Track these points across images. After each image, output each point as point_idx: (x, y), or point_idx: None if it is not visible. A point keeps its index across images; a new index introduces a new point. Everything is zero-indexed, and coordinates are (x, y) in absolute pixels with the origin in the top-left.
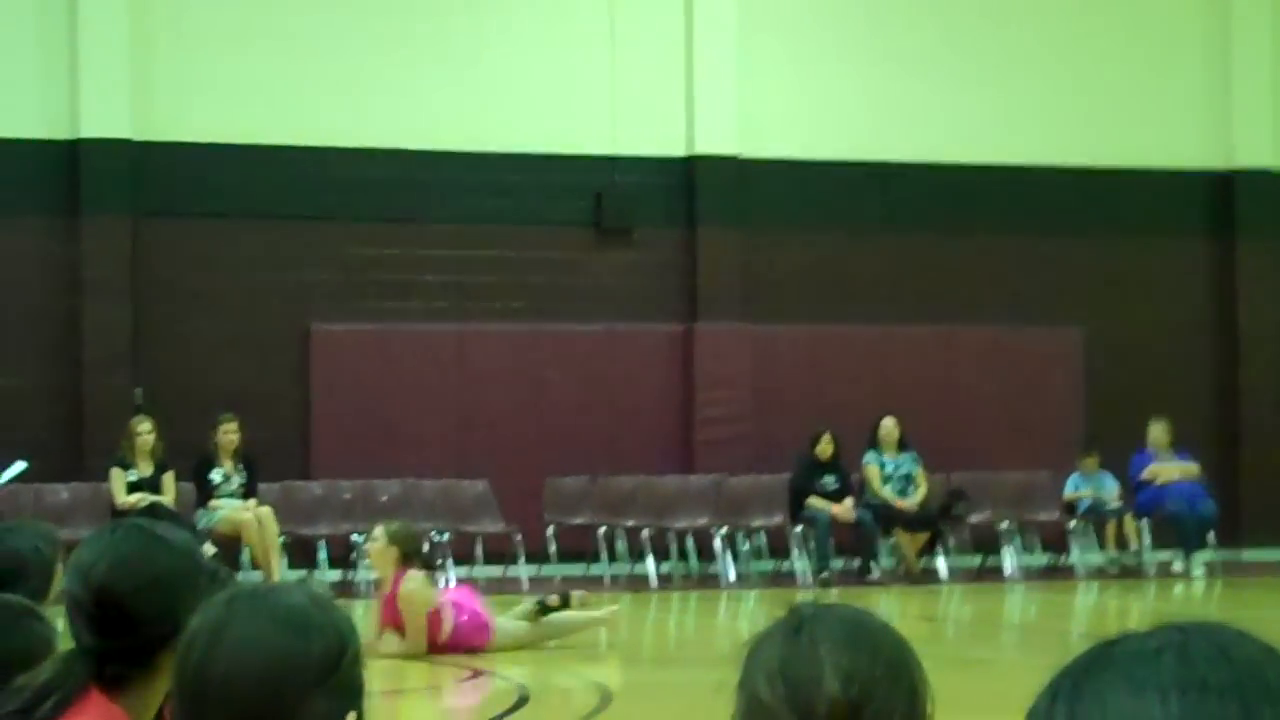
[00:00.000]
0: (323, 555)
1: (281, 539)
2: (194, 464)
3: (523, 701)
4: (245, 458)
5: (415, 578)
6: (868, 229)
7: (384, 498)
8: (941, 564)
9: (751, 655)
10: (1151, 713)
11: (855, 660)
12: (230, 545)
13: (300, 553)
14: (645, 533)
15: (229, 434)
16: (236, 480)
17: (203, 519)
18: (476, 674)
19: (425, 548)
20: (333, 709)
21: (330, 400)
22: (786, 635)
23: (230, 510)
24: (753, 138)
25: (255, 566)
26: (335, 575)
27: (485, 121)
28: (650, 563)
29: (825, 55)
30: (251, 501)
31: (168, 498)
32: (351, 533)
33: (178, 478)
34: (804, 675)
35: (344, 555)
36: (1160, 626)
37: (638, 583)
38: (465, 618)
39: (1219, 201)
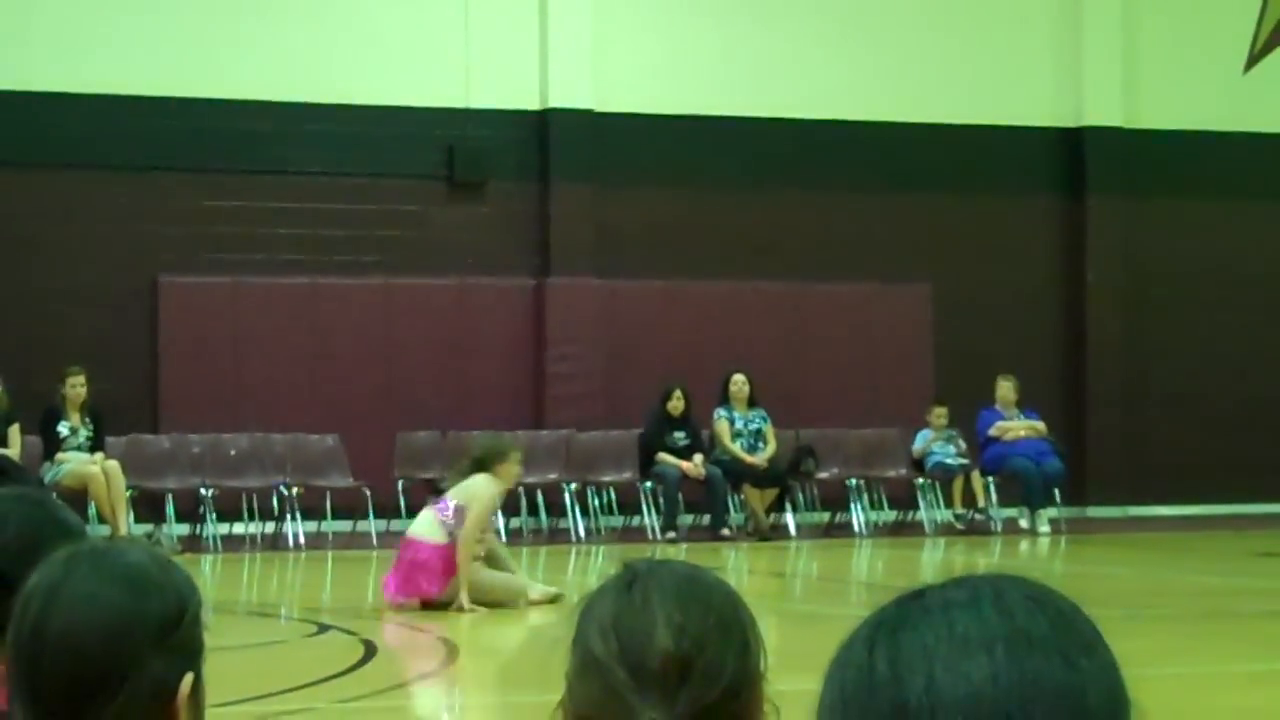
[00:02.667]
0: (170, 509)
1: (129, 493)
2: (40, 417)
3: (369, 656)
4: (93, 411)
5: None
6: (721, 184)
7: (232, 452)
8: (790, 520)
9: (585, 611)
10: (978, 663)
11: (687, 615)
12: (77, 499)
13: (148, 507)
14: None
15: (76, 387)
16: (83, 434)
17: (49, 472)
18: (322, 629)
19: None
20: (170, 669)
21: (179, 354)
22: (619, 591)
23: (77, 464)
24: (607, 91)
25: (102, 520)
26: (183, 529)
27: (337, 73)
28: (499, 518)
29: (680, 9)
30: (99, 455)
31: (13, 450)
32: (199, 487)
33: (23, 430)
34: (636, 629)
35: (192, 509)
36: (964, 578)
37: None
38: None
39: (1068, 159)
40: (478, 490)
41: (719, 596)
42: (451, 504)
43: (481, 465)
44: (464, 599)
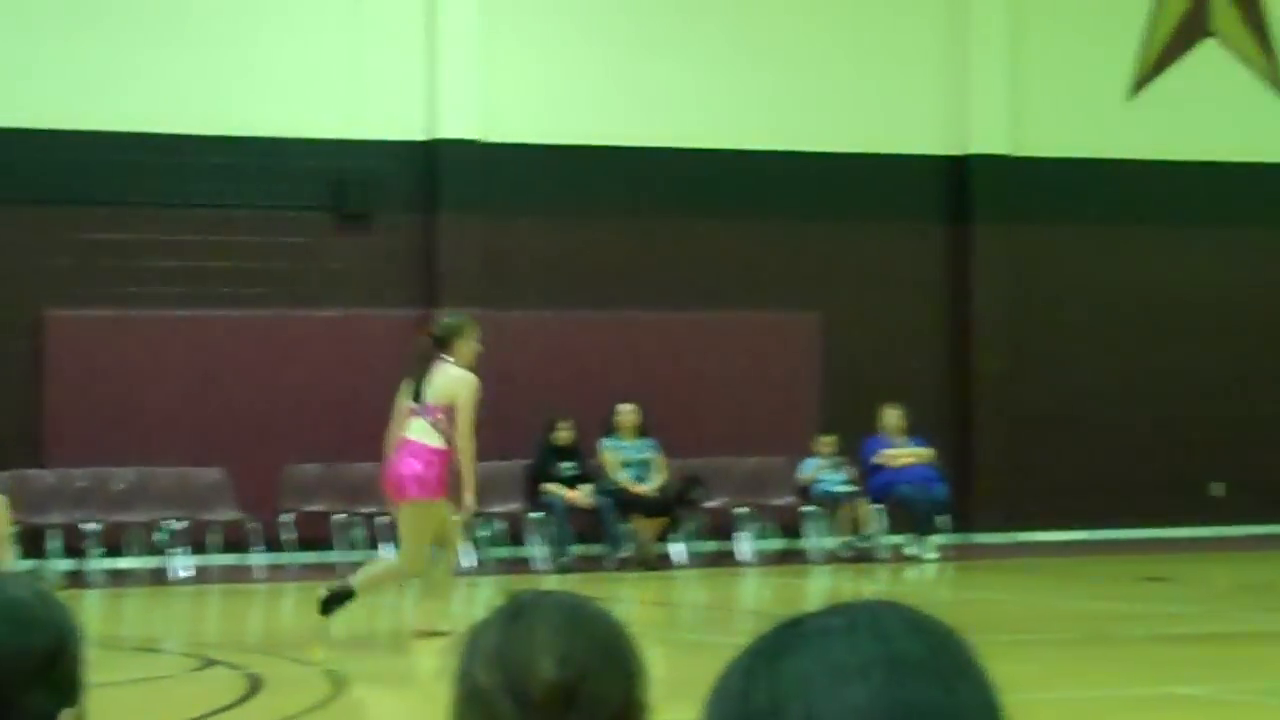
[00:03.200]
0: (54, 544)
1: (14, 528)
2: None
3: (253, 691)
4: None
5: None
6: (609, 214)
7: (119, 486)
8: (678, 549)
9: (470, 642)
10: (855, 690)
11: (571, 644)
12: None
13: (32, 542)
14: (382, 520)
15: None
16: None
17: None
18: (206, 663)
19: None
20: (51, 704)
21: (65, 387)
22: (504, 621)
23: None
24: (495, 122)
25: None
26: (68, 565)
27: (224, 105)
28: (387, 550)
29: (568, 39)
30: None
31: None
32: (84, 522)
33: None
34: (520, 659)
35: (76, 544)
36: (842, 605)
37: None
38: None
39: (955, 187)
40: (455, 386)
41: (603, 626)
42: (435, 406)
43: (442, 344)
44: (469, 500)
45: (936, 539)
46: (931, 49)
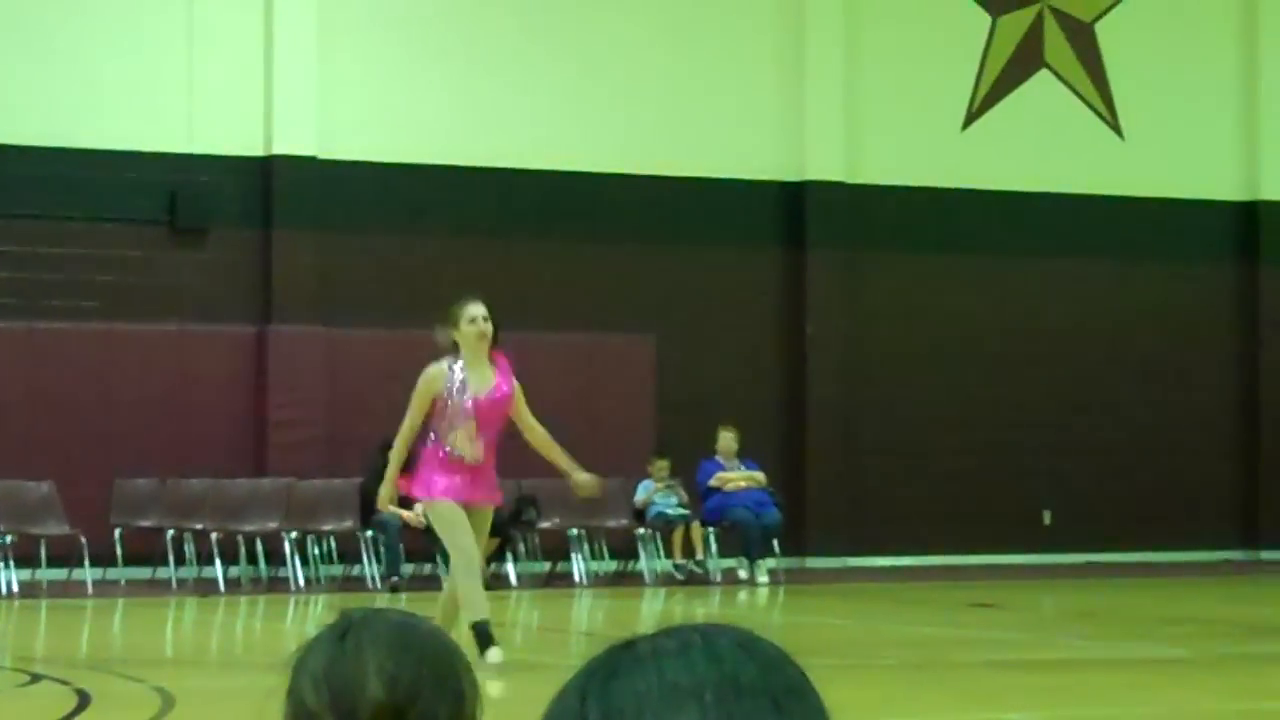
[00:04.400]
0: None
1: None
2: None
3: (81, 707)
4: None
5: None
6: (446, 233)
7: None
8: (511, 570)
9: (299, 662)
10: (688, 712)
11: (400, 664)
12: None
13: None
14: (214, 536)
15: None
16: None
17: None
18: (34, 678)
19: None
20: None
21: None
22: (333, 641)
23: None
24: (332, 139)
25: None
26: None
27: (58, 116)
28: (219, 566)
29: (406, 57)
30: None
31: None
32: None
33: None
34: (348, 679)
35: None
36: (675, 627)
37: (206, 586)
38: None
39: (791, 213)
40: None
41: (433, 645)
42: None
43: (455, 348)
44: (384, 499)
45: (769, 563)
46: (769, 76)
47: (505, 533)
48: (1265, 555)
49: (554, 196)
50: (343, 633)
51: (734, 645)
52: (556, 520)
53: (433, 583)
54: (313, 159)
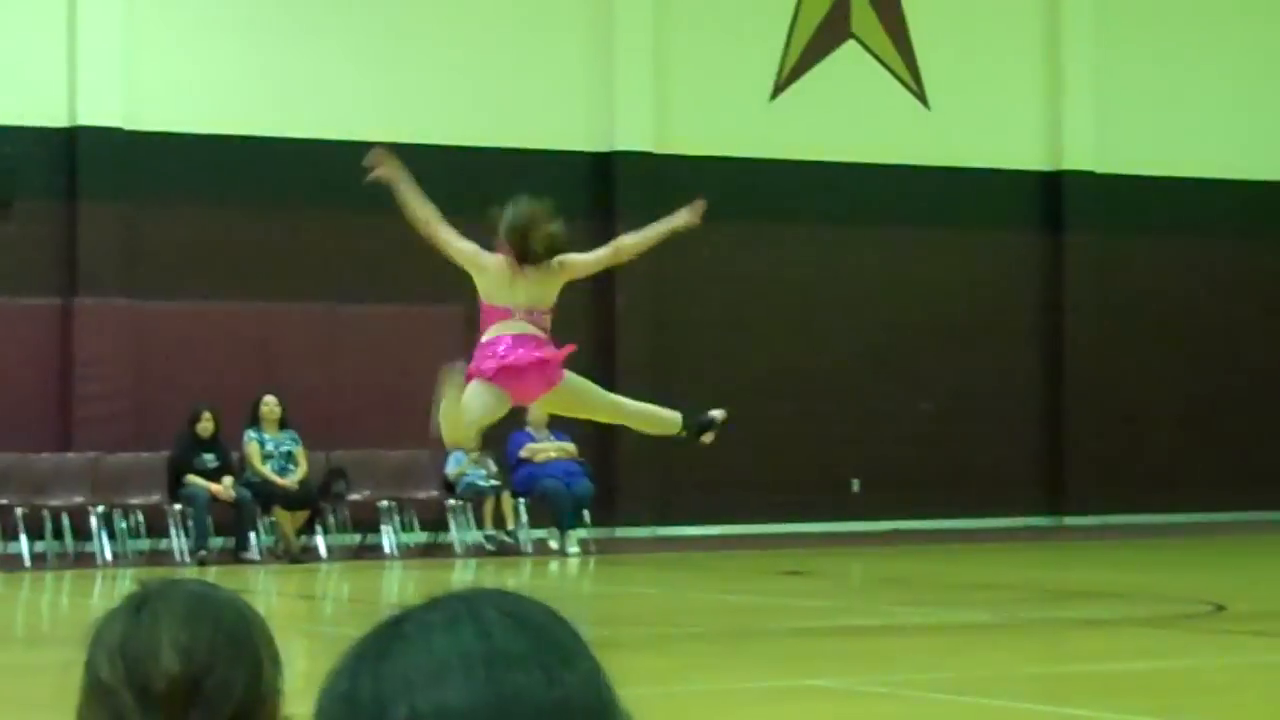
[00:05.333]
0: None
1: None
2: None
3: None
4: None
5: None
6: (255, 205)
7: None
8: (321, 542)
9: (96, 635)
10: (457, 686)
11: (195, 635)
12: None
13: None
14: (19, 511)
15: None
16: None
17: None
18: None
19: None
20: None
21: None
22: (129, 613)
23: None
24: (137, 109)
25: None
26: None
27: None
28: (24, 542)
29: (215, 27)
30: None
31: None
32: None
33: None
34: (142, 651)
35: None
36: (443, 597)
37: (11, 562)
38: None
39: (601, 184)
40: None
41: (230, 615)
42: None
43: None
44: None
45: (580, 533)
46: (578, 46)
47: (315, 505)
48: (1070, 521)
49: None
50: (139, 605)
51: (501, 614)
52: (366, 492)
53: (241, 556)
54: (118, 130)
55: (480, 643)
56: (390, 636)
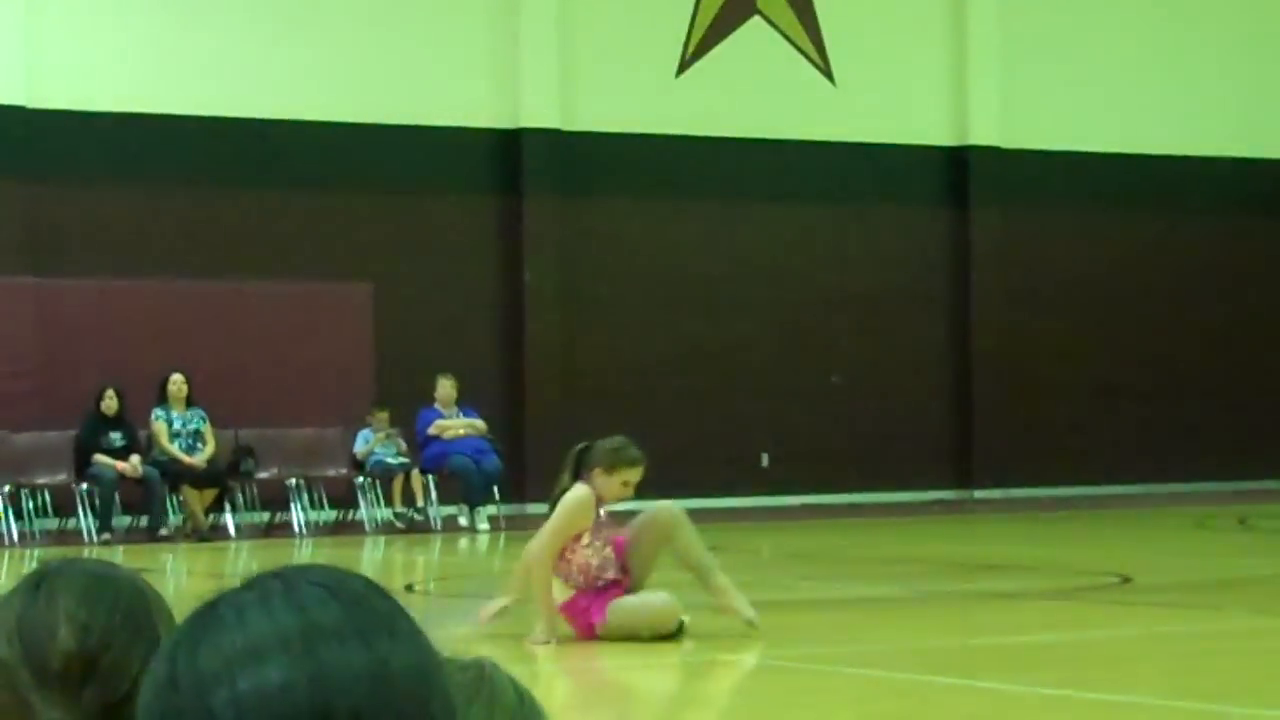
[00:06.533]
0: None
1: None
2: None
3: None
4: None
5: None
6: (161, 182)
7: None
8: (230, 520)
9: None
10: (276, 664)
11: (92, 612)
12: None
13: None
14: None
15: None
16: None
17: None
18: None
19: None
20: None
21: None
22: (27, 592)
23: None
24: (41, 86)
25: None
26: None
27: None
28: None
29: (118, 6)
30: None
31: None
32: None
33: None
34: (39, 630)
35: None
36: (258, 576)
37: None
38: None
39: (507, 160)
40: (564, 499)
41: (129, 593)
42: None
43: (578, 470)
44: (540, 629)
45: (489, 509)
46: (483, 22)
47: (223, 483)
48: (978, 495)
49: (269, 145)
50: (37, 583)
51: (317, 589)
52: (275, 470)
53: (145, 535)
54: (22, 108)
55: (295, 617)
56: (206, 620)
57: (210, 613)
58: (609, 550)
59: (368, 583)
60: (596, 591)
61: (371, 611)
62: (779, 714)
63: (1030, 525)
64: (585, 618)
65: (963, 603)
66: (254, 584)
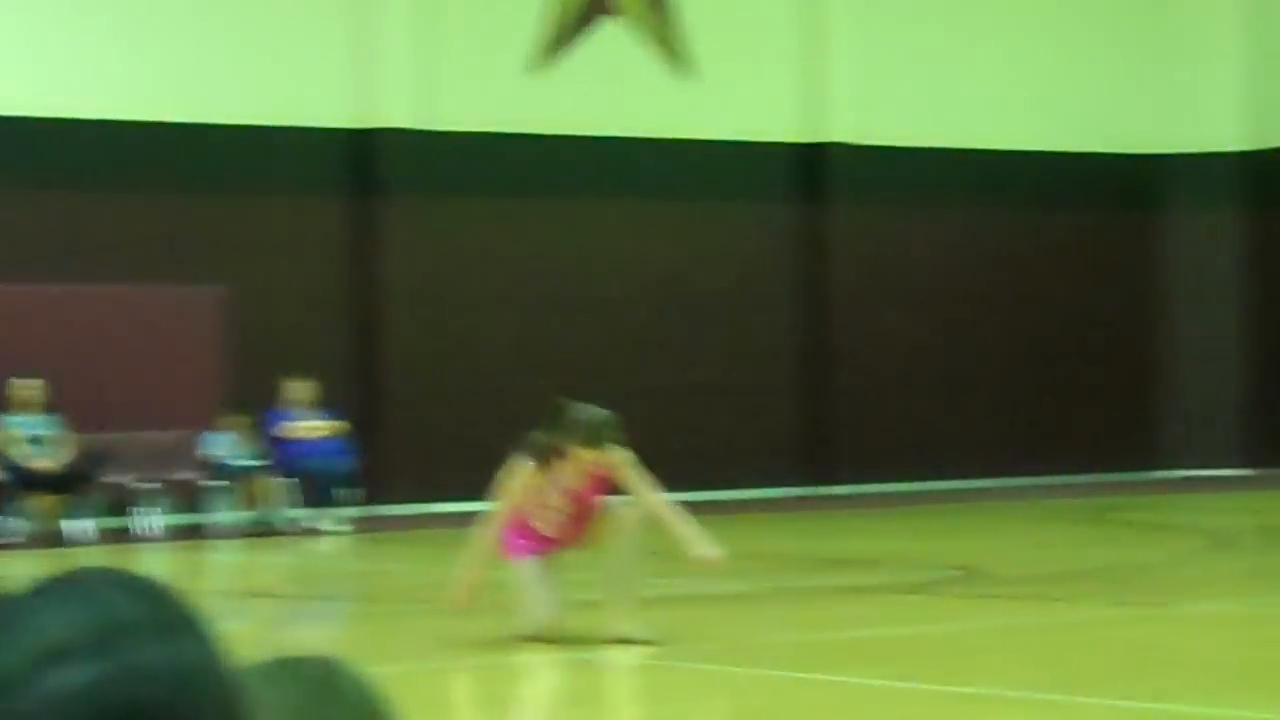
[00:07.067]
0: None
1: None
2: None
3: None
4: None
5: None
6: (11, 185)
7: None
8: (79, 525)
9: None
10: (79, 665)
11: None
12: None
13: None
14: None
15: None
16: None
17: None
18: None
19: None
20: None
21: None
22: None
23: None
24: None
25: None
26: None
27: None
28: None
29: None
30: None
31: None
32: None
33: None
34: None
35: None
36: (51, 579)
37: None
38: None
39: (361, 161)
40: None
41: None
42: None
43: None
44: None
45: (342, 511)
46: (339, 21)
47: (74, 487)
48: (829, 490)
49: (119, 146)
50: None
51: (114, 588)
52: (125, 474)
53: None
54: None
55: (93, 617)
56: (2, 625)
57: (3, 618)
58: (561, 501)
59: (163, 584)
60: (529, 529)
61: (171, 612)
62: (651, 712)
63: (881, 520)
64: (512, 539)
65: (813, 597)
66: (48, 585)
